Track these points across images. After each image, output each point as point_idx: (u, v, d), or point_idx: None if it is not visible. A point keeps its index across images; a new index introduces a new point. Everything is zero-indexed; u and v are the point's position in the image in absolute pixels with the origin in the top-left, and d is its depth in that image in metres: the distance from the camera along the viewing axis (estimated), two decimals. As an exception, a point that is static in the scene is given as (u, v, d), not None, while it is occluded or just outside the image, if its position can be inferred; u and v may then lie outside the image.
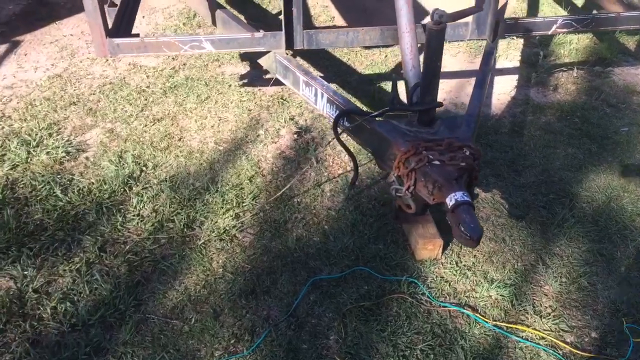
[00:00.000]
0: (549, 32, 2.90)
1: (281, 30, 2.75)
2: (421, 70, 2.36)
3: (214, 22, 3.21)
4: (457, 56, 4.15)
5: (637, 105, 3.66)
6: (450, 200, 1.91)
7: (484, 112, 3.52)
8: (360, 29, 2.80)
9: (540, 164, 3.14)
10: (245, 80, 3.76)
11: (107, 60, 3.94)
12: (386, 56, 4.13)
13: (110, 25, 2.70)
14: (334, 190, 2.90)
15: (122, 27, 2.80)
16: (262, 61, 2.98)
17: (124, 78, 3.76)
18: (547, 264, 2.54)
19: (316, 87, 2.57)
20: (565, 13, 4.59)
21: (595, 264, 2.55)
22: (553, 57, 4.16)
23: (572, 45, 4.26)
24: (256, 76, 3.81)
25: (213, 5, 3.14)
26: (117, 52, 2.65)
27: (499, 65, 4.07)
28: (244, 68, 3.91)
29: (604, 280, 2.48)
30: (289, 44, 2.73)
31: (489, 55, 2.76)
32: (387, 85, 3.80)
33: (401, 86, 2.48)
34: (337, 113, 2.46)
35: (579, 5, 4.73)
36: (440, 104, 2.22)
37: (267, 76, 3.80)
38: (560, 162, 3.16)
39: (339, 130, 2.46)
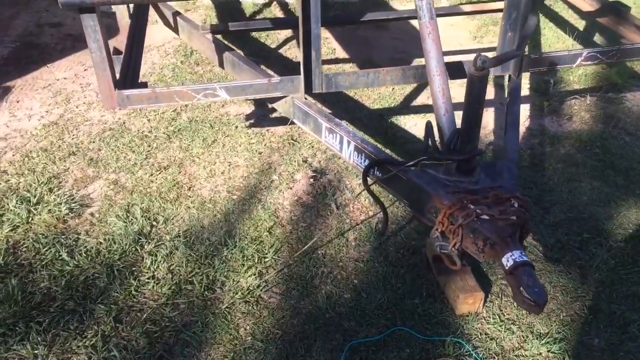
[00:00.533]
0: (574, 65, 2.80)
1: (299, 74, 2.61)
2: (452, 115, 2.23)
3: (221, 65, 3.05)
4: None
5: (656, 133, 3.58)
6: (507, 261, 1.76)
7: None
8: (382, 69, 2.66)
9: (567, 199, 3.02)
10: (252, 121, 3.62)
11: (105, 104, 3.76)
12: (393, 89, 4.02)
13: (117, 76, 2.53)
14: (359, 239, 2.74)
15: (128, 76, 2.64)
16: (277, 105, 2.83)
17: (124, 123, 3.58)
18: (594, 312, 2.39)
19: (341, 134, 2.42)
20: (569, 37, 4.53)
21: (643, 309, 2.42)
22: (563, 84, 4.08)
23: (580, 71, 4.19)
24: (262, 115, 3.67)
25: (221, 48, 2.99)
26: (126, 104, 2.49)
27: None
28: (248, 108, 3.76)
29: (655, 327, 2.34)
30: (308, 88, 2.58)
31: (516, 91, 2.64)
32: (398, 120, 3.68)
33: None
34: (366, 163, 2.31)
35: (581, 29, 4.68)
36: (482, 152, 2.09)
37: (274, 115, 3.66)
38: (587, 197, 3.05)
39: (369, 180, 2.30)
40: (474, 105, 1.96)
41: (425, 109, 3.81)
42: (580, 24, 4.73)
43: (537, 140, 3.53)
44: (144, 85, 2.66)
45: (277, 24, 3.80)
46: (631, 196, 3.06)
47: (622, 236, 2.79)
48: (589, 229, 2.83)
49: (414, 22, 4.73)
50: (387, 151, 3.15)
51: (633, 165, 3.30)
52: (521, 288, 1.71)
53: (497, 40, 2.73)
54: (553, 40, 4.61)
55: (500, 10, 3.89)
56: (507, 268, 1.77)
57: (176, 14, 3.43)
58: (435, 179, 2.09)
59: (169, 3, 3.51)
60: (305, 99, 2.63)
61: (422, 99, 3.93)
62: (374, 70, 2.68)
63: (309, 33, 2.45)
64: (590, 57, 2.77)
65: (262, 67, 3.56)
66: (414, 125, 3.64)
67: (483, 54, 1.85)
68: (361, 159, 2.34)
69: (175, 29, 3.48)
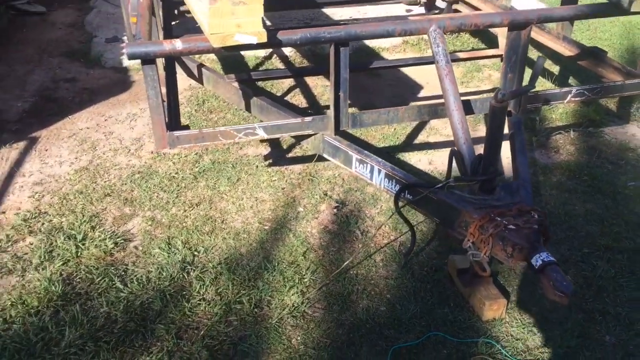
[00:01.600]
0: (565, 101, 3.21)
1: (325, 112, 2.93)
2: (471, 143, 2.57)
3: (247, 109, 3.37)
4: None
5: (635, 161, 3.99)
6: (536, 262, 2.06)
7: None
8: (400, 108, 3.02)
9: (565, 220, 3.37)
10: (271, 160, 3.91)
11: (130, 150, 4.02)
12: (395, 129, 4.38)
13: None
14: (385, 260, 3.01)
15: (172, 120, 2.92)
16: (307, 142, 3.14)
17: (151, 166, 3.84)
18: (602, 314, 2.70)
19: (372, 163, 2.74)
20: (550, 83, 5.01)
21: (643, 310, 2.74)
22: (547, 121, 4.51)
23: (560, 110, 4.64)
24: (279, 156, 3.97)
25: (248, 94, 3.31)
26: (176, 144, 2.77)
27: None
28: (264, 149, 4.06)
29: (656, 325, 2.66)
30: (337, 125, 2.91)
31: (518, 124, 3.02)
32: (404, 157, 4.02)
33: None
34: (397, 187, 2.62)
35: (564, 72, 5.17)
36: (502, 173, 2.42)
37: (290, 155, 3.97)
38: (582, 218, 3.40)
39: (400, 203, 2.61)
40: (495, 132, 2.30)
41: (427, 146, 4.17)
42: (563, 68, 5.22)
43: (531, 170, 3.89)
44: (187, 127, 2.94)
45: (297, 72, 4.16)
46: (620, 216, 3.43)
47: (618, 250, 3.13)
48: (588, 245, 3.17)
49: (405, 70, 5.19)
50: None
51: (618, 189, 3.68)
52: (551, 282, 2.01)
53: (500, 81, 3.11)
54: (538, 84, 5.07)
55: (493, 57, 4.36)
56: (537, 267, 2.07)
57: (200, 65, 3.76)
58: (462, 198, 2.41)
59: (191, 57, 3.85)
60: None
61: (422, 137, 4.29)
62: (393, 108, 3.03)
63: (338, 77, 2.80)
64: (579, 94, 3.18)
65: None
66: (418, 160, 3.98)
67: (501, 89, 2.21)
68: (392, 184, 2.66)
69: (198, 79, 3.80)
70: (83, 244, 3.05)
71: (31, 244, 3.09)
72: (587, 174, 3.84)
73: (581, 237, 3.23)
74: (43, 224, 3.24)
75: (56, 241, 3.06)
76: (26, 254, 3.03)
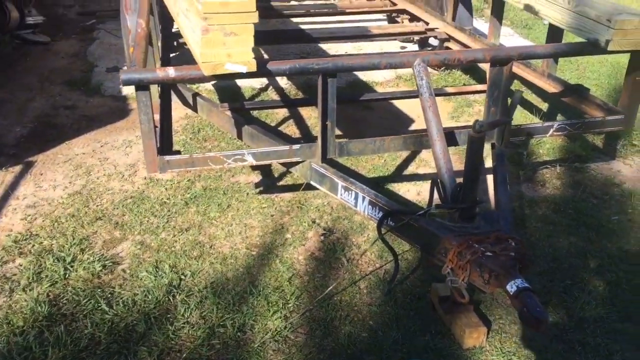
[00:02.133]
0: (547, 135, 3.30)
1: (315, 141, 3.02)
2: (452, 172, 2.64)
3: (239, 137, 3.46)
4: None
5: (619, 196, 4.06)
6: (511, 288, 2.11)
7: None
8: (386, 137, 3.11)
9: (549, 252, 3.41)
10: (261, 188, 3.97)
11: (124, 176, 4.09)
12: (385, 160, 4.46)
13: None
14: (369, 287, 3.05)
15: (164, 145, 3.01)
16: (294, 169, 3.21)
17: (143, 192, 3.90)
18: (582, 344, 2.72)
19: (357, 191, 2.81)
20: (536, 118, 5.12)
21: (622, 342, 2.76)
22: (534, 156, 4.60)
23: (547, 145, 4.73)
24: (270, 184, 4.04)
25: (240, 122, 3.40)
26: (166, 169, 2.84)
27: (488, 165, 4.46)
28: (256, 177, 4.13)
29: (635, 356, 2.68)
30: (324, 154, 2.99)
31: (501, 156, 3.10)
32: (393, 187, 4.09)
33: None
34: (381, 214, 2.68)
35: (547, 107, 5.29)
36: (482, 201, 2.49)
37: (281, 183, 4.04)
38: (566, 250, 3.45)
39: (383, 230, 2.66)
40: (474, 161, 2.38)
41: (415, 177, 4.24)
42: (546, 104, 5.35)
43: (517, 203, 3.97)
44: (178, 152, 3.02)
45: (290, 103, 4.27)
46: (604, 249, 3.48)
47: (599, 282, 3.17)
48: (570, 276, 3.21)
49: (397, 104, 5.31)
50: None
51: (602, 223, 3.74)
52: (525, 309, 2.05)
53: (483, 114, 3.21)
54: (522, 120, 5.19)
55: (480, 92, 4.47)
56: (512, 293, 2.12)
57: (195, 94, 3.86)
58: (442, 225, 2.47)
59: (188, 86, 3.96)
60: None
61: (412, 169, 4.37)
62: (379, 138, 3.12)
63: (326, 107, 2.89)
64: (560, 129, 3.27)
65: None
66: (407, 191, 4.05)
67: (479, 119, 2.30)
68: (375, 211, 2.72)
69: (193, 108, 3.90)
70: (72, 266, 3.10)
71: (20, 265, 3.13)
72: (572, 207, 3.90)
73: (564, 269, 3.27)
74: (33, 245, 3.28)
75: (45, 263, 3.11)
76: (15, 274, 3.06)
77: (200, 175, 4.10)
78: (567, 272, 3.25)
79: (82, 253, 3.22)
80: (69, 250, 3.23)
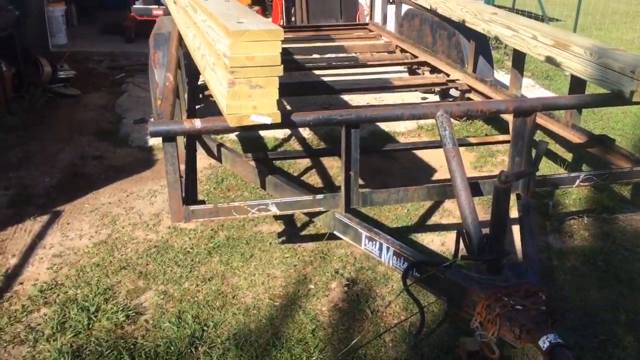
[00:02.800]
0: (574, 186, 3.26)
1: (338, 191, 3.02)
2: (478, 222, 2.61)
3: (263, 187, 3.48)
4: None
5: (650, 248, 3.97)
6: (544, 343, 2.04)
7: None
8: (410, 187, 3.10)
9: (580, 306, 3.32)
10: (284, 238, 3.97)
11: (148, 225, 4.13)
12: (408, 210, 4.44)
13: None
14: (395, 340, 2.98)
15: (189, 195, 3.04)
16: (318, 219, 3.21)
17: (167, 241, 3.92)
18: (618, 404, 2.61)
19: (381, 241, 2.78)
20: (561, 169, 5.07)
21: (663, 401, 2.64)
22: (561, 206, 4.54)
23: (574, 195, 4.67)
24: (293, 233, 4.03)
25: (263, 172, 3.44)
26: (191, 218, 2.86)
27: (514, 215, 4.40)
28: (279, 227, 4.13)
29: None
30: (348, 204, 2.99)
31: (527, 207, 3.06)
32: (416, 237, 4.05)
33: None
34: (406, 265, 2.65)
35: (573, 158, 5.25)
36: (509, 253, 2.44)
37: (303, 233, 4.03)
38: (597, 304, 3.34)
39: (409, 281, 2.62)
40: (500, 212, 2.35)
41: (439, 227, 4.20)
42: (571, 155, 5.30)
43: (544, 255, 3.89)
44: (203, 202, 3.05)
45: (312, 153, 4.31)
46: (637, 303, 3.37)
47: (634, 338, 3.05)
48: (603, 331, 3.10)
49: (420, 154, 5.33)
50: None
51: (634, 276, 3.63)
52: (558, 365, 1.98)
53: (507, 164, 3.20)
54: (546, 170, 5.15)
55: (503, 142, 4.47)
56: (544, 349, 2.04)
57: (220, 145, 3.93)
58: (469, 276, 2.42)
59: (212, 136, 4.03)
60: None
61: (435, 219, 4.33)
62: (403, 188, 3.11)
63: (349, 157, 2.91)
64: (587, 179, 3.23)
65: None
66: (430, 241, 4.01)
67: (504, 170, 2.29)
68: (400, 262, 2.68)
69: (218, 158, 3.95)
70: (95, 316, 3.09)
71: (45, 315, 3.14)
72: (602, 259, 3.81)
73: (596, 323, 3.16)
74: (58, 295, 3.30)
75: (69, 312, 3.11)
76: (39, 324, 3.07)
77: (224, 225, 4.12)
78: (600, 326, 3.14)
79: (106, 303, 3.22)
80: (93, 299, 3.24)
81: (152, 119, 5.89)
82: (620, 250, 3.93)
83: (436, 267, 2.51)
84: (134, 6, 9.61)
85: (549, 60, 3.68)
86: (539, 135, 5.31)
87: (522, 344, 2.18)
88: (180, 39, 4.29)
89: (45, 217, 4.22)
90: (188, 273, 3.55)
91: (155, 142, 5.54)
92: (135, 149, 5.51)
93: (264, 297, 3.31)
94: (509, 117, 4.69)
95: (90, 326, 3.02)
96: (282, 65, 2.46)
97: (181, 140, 3.78)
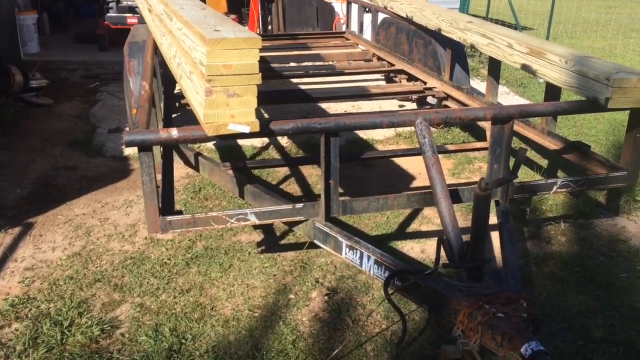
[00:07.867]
0: (551, 192, 3.28)
1: (318, 200, 3.00)
2: (458, 230, 2.61)
3: (241, 196, 3.44)
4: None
5: (626, 253, 4.01)
6: (526, 351, 2.03)
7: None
8: (390, 195, 3.09)
9: (559, 312, 3.33)
10: (263, 247, 3.92)
11: (124, 236, 4.05)
12: (387, 218, 4.43)
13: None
14: (376, 349, 2.95)
15: (166, 205, 2.98)
16: (298, 228, 3.17)
17: (144, 252, 3.84)
18: (599, 409, 2.62)
19: (362, 250, 2.76)
20: (537, 175, 5.13)
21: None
22: (538, 212, 4.57)
23: (550, 201, 4.72)
24: (272, 243, 3.99)
25: (242, 181, 3.39)
26: (168, 229, 2.80)
27: (493, 221, 4.42)
28: (258, 236, 4.09)
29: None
30: (328, 212, 2.96)
31: (506, 213, 3.08)
32: (396, 245, 4.04)
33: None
34: (387, 273, 2.63)
35: (550, 165, 5.31)
36: (490, 260, 2.44)
37: (283, 242, 3.99)
38: (576, 309, 3.36)
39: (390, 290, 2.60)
40: (480, 219, 2.35)
41: (418, 235, 4.20)
42: (546, 161, 5.37)
43: (523, 261, 3.91)
44: (180, 212, 2.99)
45: (291, 161, 4.28)
46: (614, 308, 3.39)
47: (613, 342, 3.08)
48: (582, 336, 3.12)
49: (398, 161, 5.34)
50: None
51: (611, 281, 3.67)
52: (541, 373, 1.97)
53: (485, 171, 3.21)
54: (523, 177, 5.20)
55: (480, 149, 4.50)
56: (526, 357, 2.04)
57: (197, 154, 3.87)
58: (451, 285, 2.41)
59: (190, 145, 3.98)
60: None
61: (415, 226, 4.33)
62: (383, 196, 3.10)
63: (329, 166, 2.88)
64: (564, 185, 3.26)
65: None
66: (410, 249, 4.00)
67: (484, 177, 2.29)
68: (381, 270, 2.66)
69: (195, 167, 3.90)
70: (69, 331, 3.01)
71: (17, 330, 3.04)
72: (579, 264, 3.84)
73: (575, 328, 3.18)
74: (30, 309, 3.20)
75: (42, 327, 3.02)
76: (11, 340, 2.97)
77: (202, 235, 4.06)
78: (579, 332, 3.16)
79: (80, 317, 3.14)
80: (66, 314, 3.15)
81: (127, 128, 5.80)
82: (597, 255, 3.97)
83: (417, 276, 2.50)
84: (108, 14, 9.50)
85: (525, 68, 3.71)
86: (515, 142, 5.37)
87: (504, 351, 2.17)
88: (156, 47, 4.24)
89: (16, 230, 4.10)
90: (165, 285, 3.47)
91: (130, 151, 5.46)
92: (110, 158, 5.41)
93: (243, 308, 3.26)
94: (486, 125, 4.73)
95: (64, 341, 2.93)
96: (260, 74, 2.43)
97: (157, 150, 3.72)
